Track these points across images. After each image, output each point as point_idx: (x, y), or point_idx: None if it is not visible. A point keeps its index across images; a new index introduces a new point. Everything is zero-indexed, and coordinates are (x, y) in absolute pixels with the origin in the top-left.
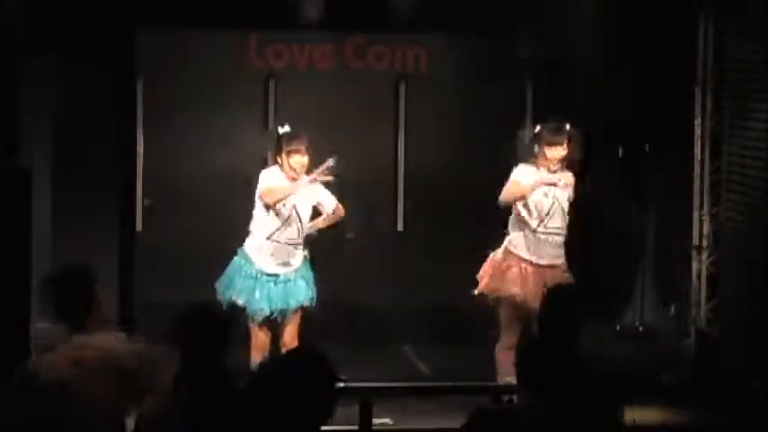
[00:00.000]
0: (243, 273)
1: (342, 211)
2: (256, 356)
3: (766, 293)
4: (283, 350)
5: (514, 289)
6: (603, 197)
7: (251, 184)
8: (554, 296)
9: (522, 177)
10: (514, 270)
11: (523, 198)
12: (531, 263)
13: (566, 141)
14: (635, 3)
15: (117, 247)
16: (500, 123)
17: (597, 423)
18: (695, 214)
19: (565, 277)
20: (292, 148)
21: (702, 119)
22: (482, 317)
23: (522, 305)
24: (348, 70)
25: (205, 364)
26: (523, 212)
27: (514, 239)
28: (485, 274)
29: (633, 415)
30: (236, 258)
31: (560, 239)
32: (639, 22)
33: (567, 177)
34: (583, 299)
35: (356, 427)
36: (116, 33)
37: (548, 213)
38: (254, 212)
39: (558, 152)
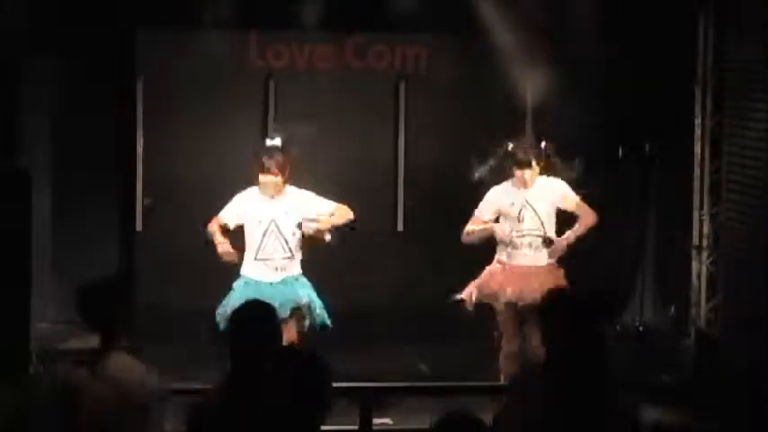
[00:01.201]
0: (234, 288)
1: (345, 211)
2: None
3: (766, 293)
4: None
5: (496, 288)
6: (603, 197)
7: (252, 183)
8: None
9: (498, 197)
10: (498, 274)
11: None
12: (512, 265)
13: (535, 161)
14: (635, 3)
15: (117, 247)
16: (500, 123)
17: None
18: (695, 214)
19: (554, 276)
20: (263, 166)
21: (702, 119)
22: (482, 317)
23: (509, 305)
24: (348, 70)
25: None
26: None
27: (497, 247)
28: (473, 283)
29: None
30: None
31: (539, 240)
32: (639, 21)
33: (551, 187)
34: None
35: (356, 427)
36: (116, 33)
37: (518, 219)
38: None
39: (526, 174)
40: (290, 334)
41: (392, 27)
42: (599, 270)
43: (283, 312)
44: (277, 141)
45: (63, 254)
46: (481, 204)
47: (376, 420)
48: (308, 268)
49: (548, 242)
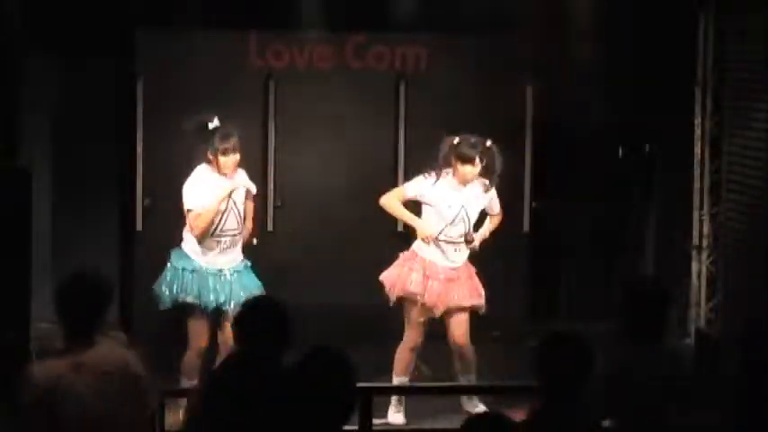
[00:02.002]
0: (183, 269)
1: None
2: (197, 350)
3: (766, 293)
4: (224, 346)
5: (417, 289)
6: (603, 197)
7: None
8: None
9: (434, 191)
10: (418, 272)
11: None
12: (434, 264)
13: (478, 159)
14: (635, 3)
15: (117, 247)
16: (500, 123)
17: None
18: (695, 214)
19: (471, 276)
20: (225, 146)
21: (702, 119)
22: (482, 317)
23: (424, 307)
24: (348, 70)
25: (266, 354)
26: (428, 220)
27: (420, 242)
28: (389, 275)
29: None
30: (169, 262)
31: (463, 247)
32: (639, 22)
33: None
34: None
35: (356, 428)
36: (116, 33)
37: (451, 223)
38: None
39: (468, 169)
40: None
41: (392, 27)
42: (599, 270)
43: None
44: (216, 122)
45: (63, 254)
46: (412, 183)
47: (376, 420)
48: (309, 268)
49: (468, 241)
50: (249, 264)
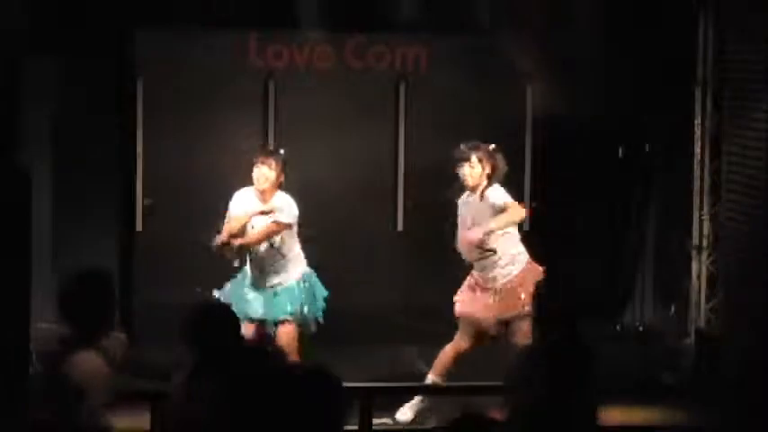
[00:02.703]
0: (237, 280)
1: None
2: None
3: (766, 293)
4: None
5: (459, 299)
6: (603, 197)
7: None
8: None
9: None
10: (466, 286)
11: None
12: (473, 276)
13: (475, 159)
14: (635, 3)
15: (117, 247)
16: (500, 123)
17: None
18: (695, 214)
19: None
20: (256, 159)
21: (702, 119)
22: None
23: (469, 318)
24: (348, 70)
25: (219, 361)
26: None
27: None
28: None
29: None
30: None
31: (491, 261)
32: (640, 21)
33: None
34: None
35: (356, 428)
36: (116, 33)
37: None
38: None
39: (466, 170)
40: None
41: (392, 27)
42: (599, 270)
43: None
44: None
45: (63, 254)
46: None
47: (376, 420)
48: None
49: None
50: (302, 282)
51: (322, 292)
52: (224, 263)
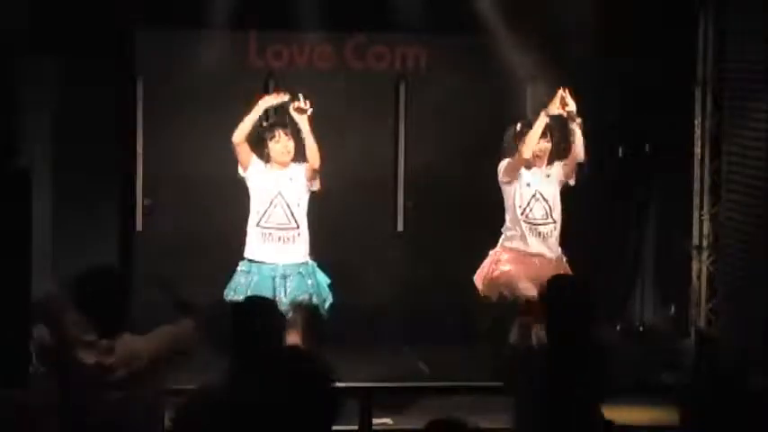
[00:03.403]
0: (241, 272)
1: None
2: None
3: (766, 293)
4: None
5: (507, 269)
6: (603, 197)
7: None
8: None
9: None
10: (505, 257)
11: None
12: (518, 251)
13: (548, 133)
14: (635, 2)
15: (117, 247)
16: (500, 123)
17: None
18: (695, 214)
19: (559, 269)
20: (271, 133)
21: (702, 119)
22: (482, 317)
23: (510, 285)
24: (348, 70)
25: (256, 354)
26: (507, 203)
27: (505, 231)
28: (482, 268)
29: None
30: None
31: (546, 230)
32: (640, 21)
33: (554, 167)
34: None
35: (356, 428)
36: (116, 33)
37: (528, 204)
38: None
39: (541, 145)
40: (292, 332)
41: (392, 27)
42: (599, 270)
43: (287, 308)
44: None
45: (63, 254)
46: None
47: (376, 420)
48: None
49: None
50: (313, 265)
51: (325, 278)
52: (224, 262)
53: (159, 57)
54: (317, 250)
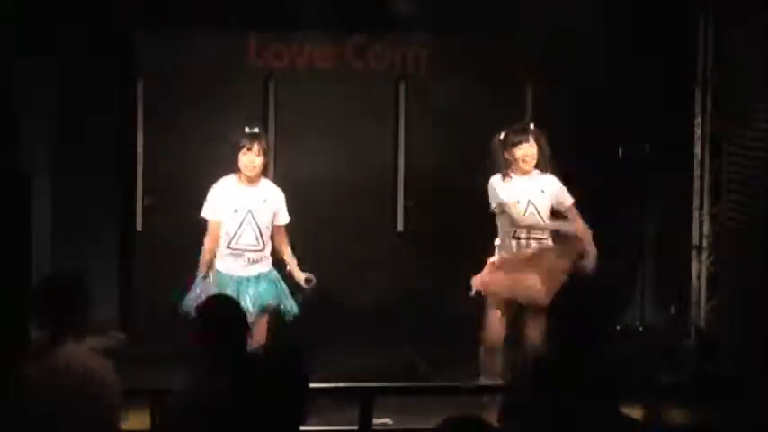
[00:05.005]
0: (204, 277)
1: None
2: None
3: (766, 293)
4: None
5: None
6: (604, 197)
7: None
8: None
9: (498, 188)
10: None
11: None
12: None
13: (532, 139)
14: (636, 3)
15: (117, 247)
16: (500, 123)
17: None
18: (695, 214)
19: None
20: (244, 144)
21: (702, 119)
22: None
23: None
24: (348, 70)
25: (230, 354)
26: (500, 219)
27: (500, 245)
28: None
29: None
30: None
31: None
32: (640, 21)
33: (549, 182)
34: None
35: (356, 427)
36: (116, 34)
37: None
38: None
39: (526, 149)
40: (258, 333)
41: (392, 27)
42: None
43: (252, 312)
44: (256, 129)
45: (63, 254)
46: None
47: (376, 420)
48: (308, 268)
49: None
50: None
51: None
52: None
53: (159, 57)
54: (317, 250)
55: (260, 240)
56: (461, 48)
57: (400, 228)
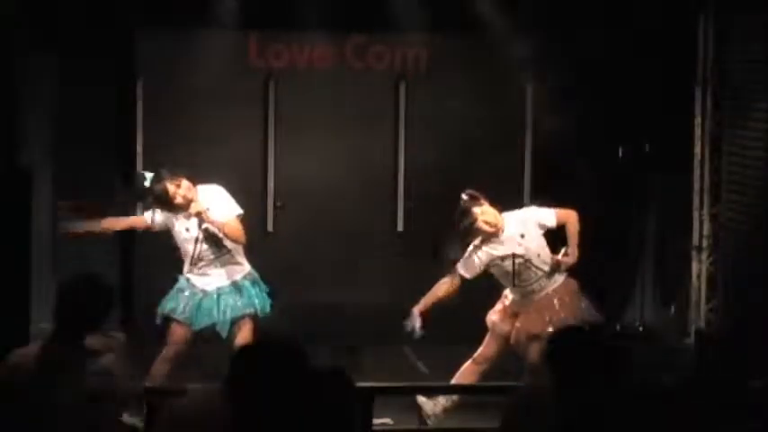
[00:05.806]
0: (181, 288)
1: (235, 231)
2: (170, 350)
3: (766, 294)
4: None
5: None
6: (604, 197)
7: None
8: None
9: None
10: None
11: None
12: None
13: (484, 204)
14: (636, 3)
15: (117, 248)
16: (500, 123)
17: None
18: (695, 214)
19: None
20: (172, 194)
21: (702, 119)
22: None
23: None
24: (348, 70)
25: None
26: (496, 276)
27: (505, 291)
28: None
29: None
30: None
31: (537, 286)
32: (640, 21)
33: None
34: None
35: None
36: (116, 33)
37: (515, 274)
38: None
39: (487, 216)
40: (242, 337)
41: (392, 27)
42: (599, 270)
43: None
44: (149, 176)
45: (63, 254)
46: (467, 267)
47: (376, 420)
48: (309, 268)
49: (555, 265)
50: (245, 282)
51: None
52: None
53: (159, 57)
54: (317, 250)
55: (216, 245)
56: (461, 48)
57: (400, 228)
